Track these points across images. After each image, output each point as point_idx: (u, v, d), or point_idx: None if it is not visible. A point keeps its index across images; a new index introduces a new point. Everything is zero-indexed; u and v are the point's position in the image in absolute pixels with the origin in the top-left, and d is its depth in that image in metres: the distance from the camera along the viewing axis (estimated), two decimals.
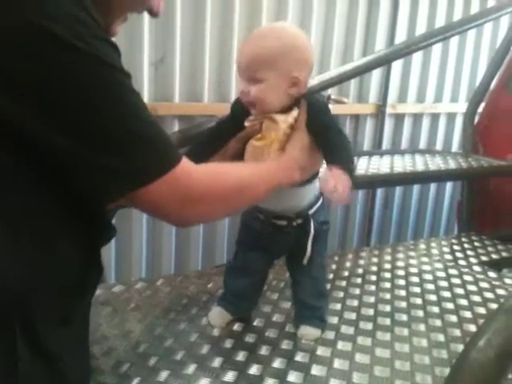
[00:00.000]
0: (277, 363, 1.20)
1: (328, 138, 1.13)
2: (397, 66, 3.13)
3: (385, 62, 2.34)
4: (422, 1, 3.15)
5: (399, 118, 3.28)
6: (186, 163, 0.81)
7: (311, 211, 1.24)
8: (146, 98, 2.44)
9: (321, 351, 1.26)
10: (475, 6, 3.34)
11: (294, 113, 1.15)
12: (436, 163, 2.25)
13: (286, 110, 1.16)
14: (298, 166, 1.11)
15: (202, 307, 1.47)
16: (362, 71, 2.15)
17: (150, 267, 2.66)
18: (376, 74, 3.07)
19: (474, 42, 3.41)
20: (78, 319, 0.86)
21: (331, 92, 2.77)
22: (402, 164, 2.20)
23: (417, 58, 3.19)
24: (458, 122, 3.40)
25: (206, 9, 2.48)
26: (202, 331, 1.34)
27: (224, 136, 1.21)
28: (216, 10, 2.52)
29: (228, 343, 1.29)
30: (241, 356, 1.23)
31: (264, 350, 1.26)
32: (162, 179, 0.76)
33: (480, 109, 2.61)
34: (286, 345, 1.29)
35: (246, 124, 1.18)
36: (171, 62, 2.47)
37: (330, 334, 1.33)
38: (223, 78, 2.64)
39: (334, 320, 1.40)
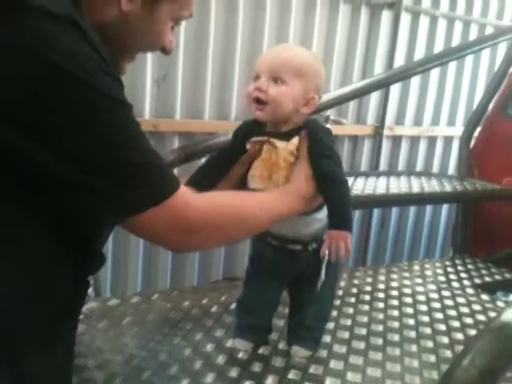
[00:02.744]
0: (269, 380, 1.21)
1: (326, 186, 1.12)
2: (395, 88, 3.18)
3: (383, 85, 2.39)
4: (421, 25, 3.21)
5: (396, 140, 3.32)
6: (184, 192, 0.82)
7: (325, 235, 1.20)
8: (147, 114, 2.47)
9: (313, 369, 1.27)
10: (474, 31, 3.40)
11: (295, 140, 1.13)
12: (431, 186, 2.27)
13: (286, 136, 1.15)
14: (301, 197, 1.09)
15: (196, 322, 1.49)
16: (361, 94, 2.20)
17: (145, 281, 2.66)
18: (374, 97, 3.11)
19: (471, 67, 3.47)
20: (62, 347, 0.86)
21: (330, 113, 2.82)
22: (397, 185, 2.23)
23: (415, 81, 3.25)
24: (455, 146, 3.45)
25: (209, 28, 2.53)
26: (195, 346, 1.36)
27: (227, 162, 1.19)
28: (218, 29, 2.57)
29: (221, 359, 1.30)
30: (233, 372, 1.24)
31: (257, 367, 1.27)
32: (159, 207, 0.77)
33: (476, 133, 2.65)
34: (278, 362, 1.29)
35: (248, 146, 1.18)
36: (173, 80, 2.51)
37: (323, 353, 1.34)
38: (224, 96, 2.68)
39: (327, 339, 1.41)
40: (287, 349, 1.34)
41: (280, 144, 1.14)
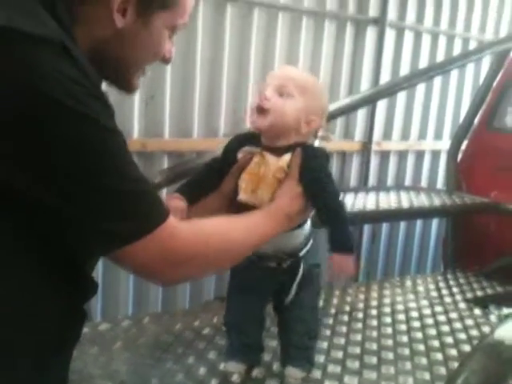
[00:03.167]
0: None
1: (322, 200, 1.12)
2: (382, 104, 3.21)
3: (370, 101, 2.41)
4: (405, 41, 3.26)
5: (384, 155, 3.35)
6: (172, 222, 0.80)
7: (302, 253, 1.22)
8: (136, 133, 2.47)
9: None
10: (457, 45, 3.46)
11: (287, 157, 1.13)
12: (420, 200, 2.29)
13: (279, 152, 1.14)
14: (286, 216, 1.07)
15: (188, 346, 1.47)
16: (348, 110, 2.21)
17: (136, 305, 2.63)
18: (361, 112, 3.14)
19: (456, 81, 3.53)
20: (54, 375, 0.84)
21: None
22: (387, 201, 2.24)
23: (401, 96, 3.28)
24: (442, 160, 3.47)
25: (196, 47, 2.54)
26: (188, 370, 1.34)
27: (218, 173, 1.19)
28: (206, 48, 2.59)
29: (214, 382, 1.29)
30: None
31: None
32: (147, 238, 0.75)
33: (463, 147, 2.68)
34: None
35: (239, 156, 1.17)
36: (161, 99, 2.51)
37: (317, 373, 1.33)
38: (212, 114, 2.68)
39: (321, 358, 1.41)
40: (281, 370, 1.33)
41: (271, 159, 1.13)
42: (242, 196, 1.14)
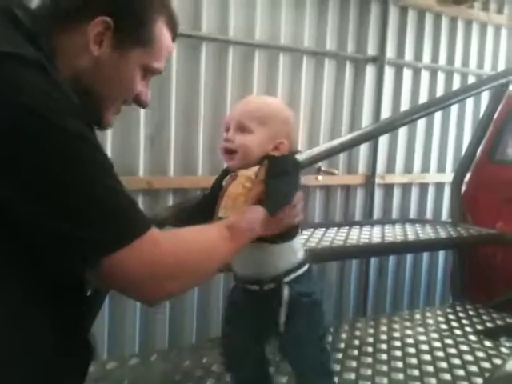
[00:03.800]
0: None
1: (266, 183, 1.10)
2: (384, 138, 3.25)
3: (371, 137, 2.44)
4: (405, 77, 3.32)
5: (388, 188, 3.36)
6: (154, 234, 0.80)
7: (287, 278, 1.17)
8: (141, 172, 2.50)
9: None
10: (456, 80, 3.52)
11: (254, 168, 1.14)
12: (426, 232, 2.29)
13: (250, 167, 1.15)
14: (258, 219, 1.04)
15: (197, 383, 1.45)
16: (350, 146, 2.24)
17: (143, 341, 2.60)
18: (364, 147, 3.17)
19: (457, 114, 3.57)
20: None
21: (321, 164, 2.86)
22: (393, 233, 2.24)
23: (402, 130, 3.31)
24: (446, 192, 3.48)
25: (200, 85, 2.61)
26: None
27: (207, 206, 1.19)
28: (209, 86, 2.65)
29: None
30: None
31: None
32: (127, 249, 0.75)
33: (466, 179, 2.70)
34: None
35: (223, 184, 1.19)
36: (166, 137, 2.56)
37: None
38: (216, 151, 2.71)
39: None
40: None
41: (241, 172, 1.15)
42: (220, 213, 1.15)
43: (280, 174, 1.11)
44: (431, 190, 3.54)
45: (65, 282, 0.80)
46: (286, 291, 1.16)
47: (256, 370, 1.29)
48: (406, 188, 3.43)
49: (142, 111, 2.47)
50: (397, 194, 3.40)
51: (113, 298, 2.39)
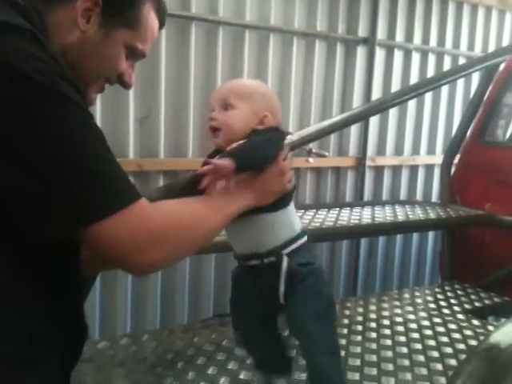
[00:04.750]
0: None
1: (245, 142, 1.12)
2: (374, 120, 3.25)
3: (361, 118, 2.43)
4: (395, 59, 3.31)
5: (379, 171, 3.38)
6: (142, 205, 0.80)
7: (286, 250, 1.18)
8: (131, 154, 2.49)
9: None
10: (447, 62, 3.52)
11: (242, 141, 1.14)
12: (416, 213, 2.30)
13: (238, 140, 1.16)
14: (248, 189, 1.05)
15: (188, 362, 1.47)
16: (340, 127, 2.24)
17: (135, 321, 2.62)
18: (355, 129, 3.18)
19: (447, 96, 3.58)
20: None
21: (312, 146, 2.86)
22: (383, 215, 2.25)
23: (393, 112, 3.33)
24: (436, 173, 3.51)
25: (190, 67, 2.59)
26: None
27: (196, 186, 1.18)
28: (199, 67, 2.63)
29: None
30: None
31: None
32: (115, 217, 0.75)
33: (456, 160, 2.71)
34: None
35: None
36: (156, 119, 2.55)
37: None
38: (206, 134, 2.70)
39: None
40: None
41: (229, 147, 1.14)
42: None
43: (258, 135, 1.14)
44: (421, 172, 3.56)
45: (57, 257, 0.80)
46: (284, 262, 1.16)
47: (270, 345, 1.31)
48: (396, 170, 3.45)
49: (132, 93, 2.45)
50: (387, 176, 3.42)
51: (104, 278, 2.40)
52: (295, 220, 1.23)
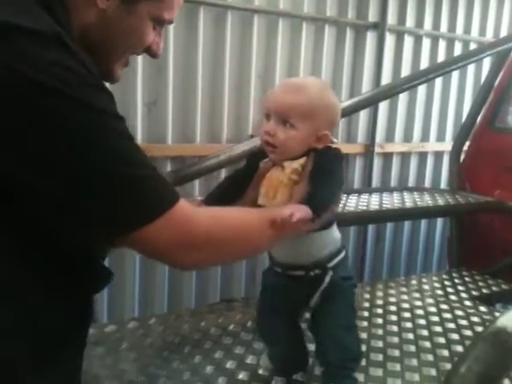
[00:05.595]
0: None
1: (313, 180, 1.08)
2: (383, 107, 3.23)
3: (370, 103, 2.42)
4: (405, 45, 3.27)
5: (387, 157, 3.35)
6: (185, 206, 0.80)
7: (331, 264, 1.20)
8: (139, 139, 2.49)
9: None
10: (457, 48, 3.48)
11: (301, 160, 1.12)
12: (424, 200, 2.29)
13: (296, 158, 1.13)
14: (302, 219, 1.04)
15: (194, 346, 1.47)
16: (349, 112, 2.22)
17: (142, 306, 2.64)
18: (363, 115, 3.15)
19: (458, 82, 3.53)
20: (65, 372, 0.83)
21: None
22: (391, 201, 2.24)
23: (402, 98, 3.30)
24: (445, 160, 3.47)
25: (198, 52, 2.57)
26: (194, 370, 1.34)
27: (241, 183, 1.19)
28: (207, 53, 2.61)
29: (221, 381, 1.29)
30: None
31: None
32: (158, 221, 0.75)
33: (466, 147, 2.68)
34: None
35: (261, 165, 1.18)
36: (164, 105, 2.54)
37: (319, 370, 1.31)
38: (215, 119, 2.71)
39: None
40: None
41: (287, 163, 1.13)
42: (261, 200, 1.15)
43: (327, 171, 1.10)
44: (430, 159, 3.53)
45: (73, 252, 0.79)
46: (328, 276, 1.19)
47: (295, 345, 1.32)
48: (405, 157, 3.42)
49: (140, 78, 2.44)
50: (396, 162, 3.39)
51: (112, 262, 2.41)
52: (338, 235, 1.24)
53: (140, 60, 2.39)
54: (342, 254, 1.23)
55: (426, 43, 3.36)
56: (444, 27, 3.41)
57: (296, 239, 1.10)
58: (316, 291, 1.20)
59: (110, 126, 0.73)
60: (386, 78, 3.20)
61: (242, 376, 1.32)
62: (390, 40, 3.21)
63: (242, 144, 2.07)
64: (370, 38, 3.14)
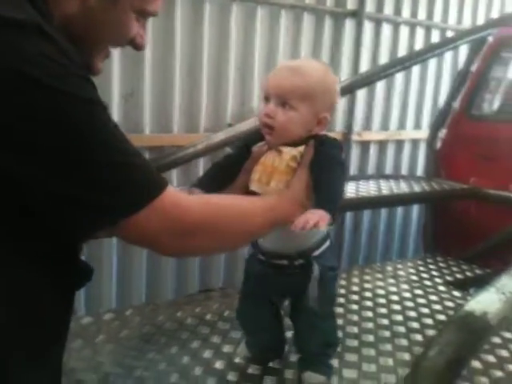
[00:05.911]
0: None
1: (321, 175, 1.08)
2: (361, 95, 3.24)
3: (348, 90, 2.42)
4: (383, 32, 3.28)
5: (365, 145, 3.38)
6: (174, 193, 0.80)
7: (316, 253, 1.20)
8: None
9: (289, 374, 1.29)
10: (435, 36, 3.49)
11: (300, 148, 1.12)
12: (400, 187, 2.31)
13: (293, 145, 1.13)
14: (299, 204, 1.04)
15: (171, 336, 1.48)
16: None
17: (120, 298, 2.63)
18: (341, 104, 3.16)
19: (435, 70, 3.56)
20: (52, 365, 0.84)
21: None
22: (367, 188, 2.26)
23: (380, 87, 3.31)
24: (422, 148, 3.50)
25: (175, 42, 2.55)
26: (171, 360, 1.35)
27: (232, 168, 1.18)
28: (185, 41, 2.59)
29: (197, 370, 1.30)
30: (211, 383, 1.24)
31: (231, 376, 1.27)
32: (147, 209, 0.75)
33: (442, 134, 2.71)
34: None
35: (254, 150, 1.17)
36: (141, 95, 2.52)
37: (295, 357, 1.33)
38: (192, 109, 2.69)
39: None
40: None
41: (285, 149, 1.12)
42: (254, 186, 1.14)
43: (331, 161, 1.10)
44: (407, 147, 3.57)
45: (70, 245, 0.79)
46: (316, 266, 1.18)
47: (268, 338, 1.33)
48: (382, 145, 3.45)
49: (116, 69, 2.42)
50: (373, 150, 3.42)
51: (88, 254, 2.39)
52: None
53: (116, 51, 2.36)
54: (327, 243, 1.23)
55: (404, 31, 3.38)
56: (422, 15, 3.43)
57: (284, 228, 1.08)
58: (306, 284, 1.19)
59: (97, 116, 0.73)
60: (364, 66, 3.20)
61: (218, 365, 1.33)
62: (368, 28, 3.22)
63: (219, 133, 2.07)
64: (349, 25, 3.14)
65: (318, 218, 0.98)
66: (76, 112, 0.69)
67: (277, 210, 1.01)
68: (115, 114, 2.45)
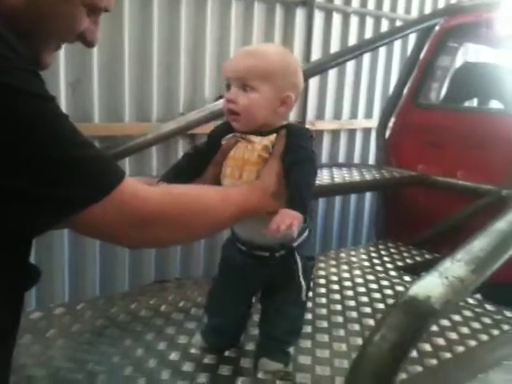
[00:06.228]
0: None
1: (291, 171, 1.07)
2: (314, 85, 3.27)
3: None
4: (334, 22, 3.32)
5: (318, 135, 3.40)
6: (132, 183, 0.79)
7: (296, 243, 1.19)
8: None
9: (245, 362, 1.29)
10: (384, 26, 3.56)
11: (271, 137, 1.11)
12: (352, 176, 2.35)
13: (263, 134, 1.12)
14: (269, 194, 1.05)
15: (124, 329, 1.45)
16: None
17: (73, 292, 2.57)
18: None
19: (384, 60, 3.64)
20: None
21: None
22: (320, 177, 2.29)
23: (332, 77, 3.36)
24: (373, 137, 3.57)
25: (123, 28, 2.48)
26: (125, 353, 1.32)
27: (200, 161, 1.16)
28: (133, 29, 2.53)
29: (152, 363, 1.28)
30: (165, 375, 1.23)
31: (187, 366, 1.26)
32: (104, 201, 0.74)
33: (391, 123, 2.77)
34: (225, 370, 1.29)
35: (223, 142, 1.15)
36: (89, 83, 2.45)
37: (251, 345, 1.35)
38: (144, 97, 2.64)
39: (256, 331, 1.41)
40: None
41: (256, 139, 1.12)
42: (226, 181, 1.13)
43: (299, 157, 1.08)
44: (359, 136, 3.64)
45: (20, 244, 0.77)
46: (298, 258, 1.18)
47: (233, 325, 1.33)
48: (335, 134, 3.50)
49: (62, 56, 2.33)
50: (326, 140, 3.46)
51: (38, 247, 2.32)
52: None
53: None
54: (306, 232, 1.23)
55: (354, 20, 3.43)
56: (371, 5, 3.48)
57: (263, 218, 1.06)
58: (292, 276, 1.19)
59: (48, 110, 0.72)
60: (315, 55, 3.23)
61: (173, 356, 1.31)
62: (318, 17, 3.24)
63: (170, 122, 2.04)
64: (300, 14, 3.16)
65: (290, 221, 0.99)
66: (25, 107, 0.68)
67: (248, 201, 1.01)
68: (62, 103, 2.37)
